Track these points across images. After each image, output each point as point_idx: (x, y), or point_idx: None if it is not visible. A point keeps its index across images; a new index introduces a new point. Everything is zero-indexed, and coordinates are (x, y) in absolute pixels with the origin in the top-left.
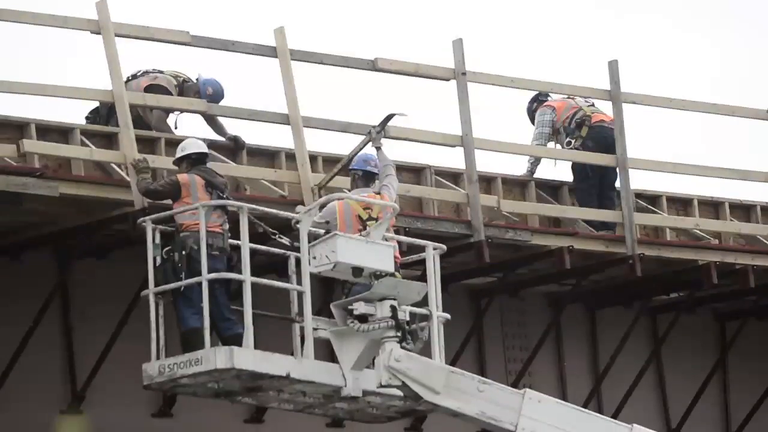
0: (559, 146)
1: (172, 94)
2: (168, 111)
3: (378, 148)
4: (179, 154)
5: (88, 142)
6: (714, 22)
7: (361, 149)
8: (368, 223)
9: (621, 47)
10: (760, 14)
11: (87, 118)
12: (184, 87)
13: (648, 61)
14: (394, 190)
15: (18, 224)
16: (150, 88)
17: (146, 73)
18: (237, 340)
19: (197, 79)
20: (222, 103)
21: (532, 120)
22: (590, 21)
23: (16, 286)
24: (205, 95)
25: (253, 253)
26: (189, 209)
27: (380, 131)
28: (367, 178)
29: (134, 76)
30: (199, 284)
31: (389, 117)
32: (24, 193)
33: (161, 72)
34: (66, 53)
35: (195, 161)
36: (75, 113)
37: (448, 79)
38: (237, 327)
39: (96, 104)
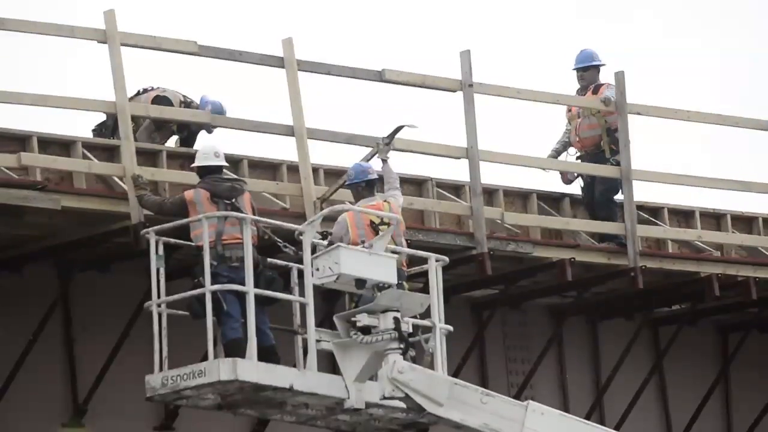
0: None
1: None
2: (159, 127)
3: (384, 161)
4: (194, 163)
5: (89, 155)
6: (712, 25)
7: (367, 162)
8: (380, 227)
9: (624, 58)
10: (759, 20)
11: (93, 130)
12: (190, 107)
13: (647, 69)
14: (399, 205)
15: (19, 237)
16: (156, 99)
17: (154, 89)
18: (271, 352)
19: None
20: (226, 114)
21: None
22: (597, 33)
23: (18, 298)
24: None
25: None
26: (192, 220)
27: (388, 143)
28: (370, 186)
29: (145, 90)
30: (236, 297)
31: (399, 128)
32: (26, 206)
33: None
34: (67, 64)
35: (207, 170)
36: (77, 125)
37: (454, 91)
38: (270, 338)
39: (102, 116)
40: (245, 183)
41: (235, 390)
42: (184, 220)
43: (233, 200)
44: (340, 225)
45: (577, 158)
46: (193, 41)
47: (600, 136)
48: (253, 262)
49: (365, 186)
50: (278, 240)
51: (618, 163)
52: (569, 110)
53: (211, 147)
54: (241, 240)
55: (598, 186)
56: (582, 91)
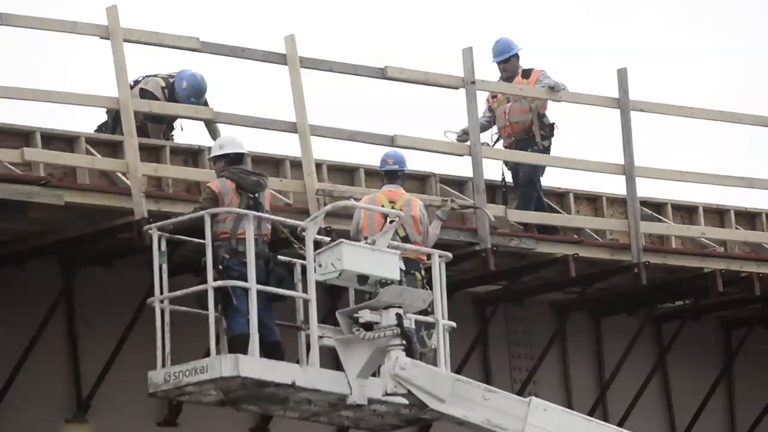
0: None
1: (158, 99)
2: (161, 121)
3: (441, 220)
4: (216, 152)
5: (93, 150)
6: (713, 24)
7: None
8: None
9: (624, 56)
10: (760, 18)
11: (95, 131)
12: (174, 86)
13: (646, 67)
14: (420, 209)
15: (23, 232)
16: (142, 93)
17: (141, 80)
18: (276, 348)
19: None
20: (228, 110)
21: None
22: (598, 31)
23: (21, 294)
24: (180, 89)
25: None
26: (194, 216)
27: (450, 213)
28: (390, 176)
29: (136, 83)
30: (244, 292)
31: (473, 207)
32: (29, 202)
33: (154, 76)
34: (69, 59)
35: (232, 161)
36: (80, 121)
37: (457, 88)
38: (276, 334)
39: (103, 118)
40: (267, 178)
41: (237, 386)
42: (187, 216)
43: (256, 195)
44: (356, 214)
45: (505, 146)
46: (195, 38)
47: (530, 121)
48: (265, 259)
49: (384, 174)
50: (293, 240)
51: (545, 149)
52: (494, 96)
53: (234, 138)
54: (257, 235)
55: (522, 169)
56: (508, 80)
